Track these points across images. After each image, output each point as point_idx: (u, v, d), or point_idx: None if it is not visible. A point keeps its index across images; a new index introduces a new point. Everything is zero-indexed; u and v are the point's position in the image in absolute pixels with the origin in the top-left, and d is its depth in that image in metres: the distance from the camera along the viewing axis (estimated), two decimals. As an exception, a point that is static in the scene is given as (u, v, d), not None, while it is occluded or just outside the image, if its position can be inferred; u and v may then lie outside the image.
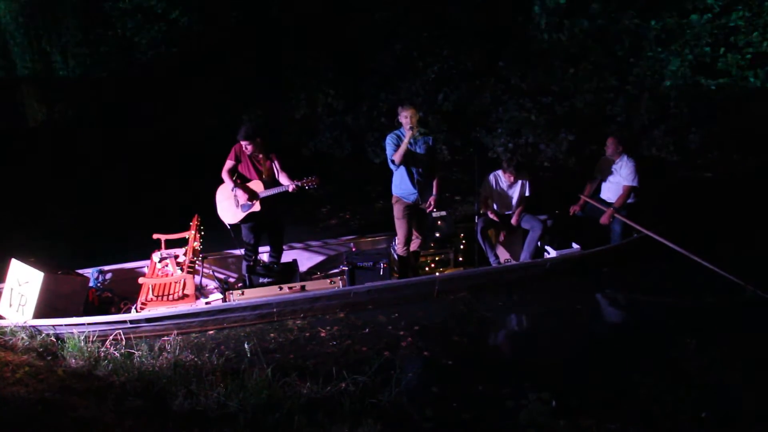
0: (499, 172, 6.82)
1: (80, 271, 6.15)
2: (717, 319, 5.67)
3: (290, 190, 6.01)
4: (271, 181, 6.17)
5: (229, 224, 6.22)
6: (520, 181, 6.80)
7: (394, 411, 4.33)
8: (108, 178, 10.73)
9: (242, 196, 6.06)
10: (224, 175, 6.11)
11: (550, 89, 11.50)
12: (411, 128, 5.94)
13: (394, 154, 6.07)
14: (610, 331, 5.79)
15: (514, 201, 6.84)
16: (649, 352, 5.14)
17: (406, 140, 5.98)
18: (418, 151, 6.11)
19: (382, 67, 12.41)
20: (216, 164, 6.17)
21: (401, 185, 6.23)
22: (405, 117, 5.95)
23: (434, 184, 6.29)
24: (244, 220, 6.19)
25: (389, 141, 6.14)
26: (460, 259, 6.94)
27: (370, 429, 4.01)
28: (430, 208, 6.30)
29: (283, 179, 6.15)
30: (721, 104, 10.60)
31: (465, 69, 11.95)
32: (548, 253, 6.68)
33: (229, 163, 6.12)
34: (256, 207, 6.10)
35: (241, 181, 6.12)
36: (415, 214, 6.31)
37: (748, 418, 4.20)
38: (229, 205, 6.16)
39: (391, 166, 6.19)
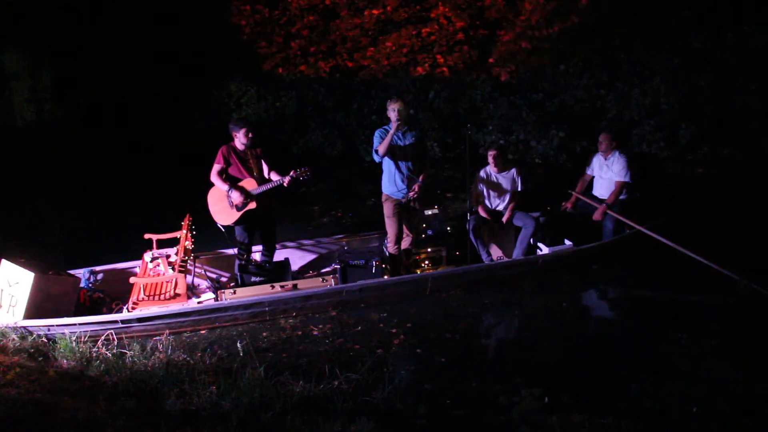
0: (489, 167, 6.83)
1: (71, 272, 6.12)
2: (710, 313, 5.69)
3: (285, 183, 6.02)
4: (261, 179, 6.17)
5: (224, 226, 6.20)
6: (511, 175, 6.80)
7: (387, 408, 4.34)
8: (99, 178, 10.66)
9: (238, 197, 6.04)
10: (214, 178, 6.08)
11: (541, 86, 11.52)
12: (398, 120, 5.95)
13: (379, 145, 6.08)
14: (602, 327, 5.80)
15: (506, 196, 6.84)
16: (641, 347, 5.15)
17: (392, 131, 5.98)
18: (406, 144, 6.09)
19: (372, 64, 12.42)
20: (208, 163, 6.14)
21: (390, 182, 6.21)
22: (393, 110, 5.97)
23: (420, 177, 6.27)
24: (239, 221, 6.17)
25: (377, 134, 6.16)
26: (457, 253, 6.93)
27: (363, 427, 4.01)
28: (413, 194, 6.23)
29: (274, 176, 6.16)
30: (711, 99, 10.65)
31: (455, 66, 11.96)
32: (540, 250, 6.69)
33: (217, 167, 6.09)
34: (252, 204, 6.08)
35: (232, 183, 6.10)
36: (404, 211, 6.30)
37: (739, 413, 4.21)
38: (223, 207, 6.12)
39: (375, 157, 6.17)
